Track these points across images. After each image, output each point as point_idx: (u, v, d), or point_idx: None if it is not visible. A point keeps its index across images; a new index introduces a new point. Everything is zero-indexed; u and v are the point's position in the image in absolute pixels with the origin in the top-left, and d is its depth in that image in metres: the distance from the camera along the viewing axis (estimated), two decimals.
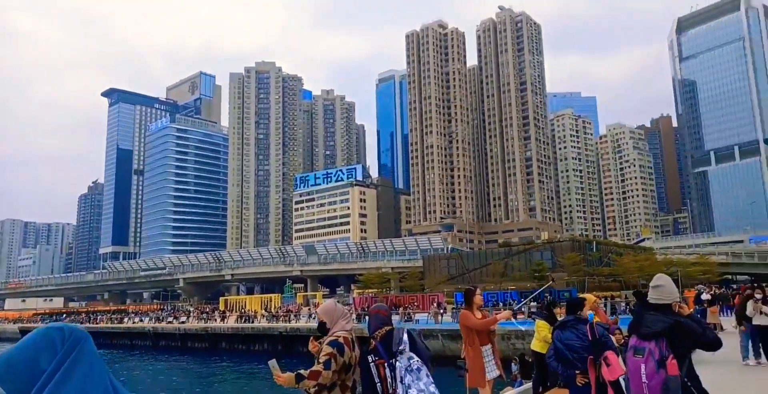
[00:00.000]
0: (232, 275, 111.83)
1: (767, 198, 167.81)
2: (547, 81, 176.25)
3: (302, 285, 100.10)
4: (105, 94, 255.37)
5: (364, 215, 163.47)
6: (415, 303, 44.34)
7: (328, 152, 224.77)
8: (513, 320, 31.51)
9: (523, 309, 36.76)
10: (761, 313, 10.68)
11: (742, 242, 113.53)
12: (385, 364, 3.78)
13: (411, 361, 3.77)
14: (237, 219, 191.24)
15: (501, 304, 39.76)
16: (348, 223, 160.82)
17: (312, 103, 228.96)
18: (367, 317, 40.96)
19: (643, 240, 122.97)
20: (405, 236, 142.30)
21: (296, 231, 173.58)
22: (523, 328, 17.37)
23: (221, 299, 76.79)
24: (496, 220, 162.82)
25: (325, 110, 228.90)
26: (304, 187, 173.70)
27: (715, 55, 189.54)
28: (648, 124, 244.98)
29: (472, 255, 75.06)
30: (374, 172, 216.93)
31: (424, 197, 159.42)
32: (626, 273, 56.39)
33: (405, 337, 3.89)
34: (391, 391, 3.71)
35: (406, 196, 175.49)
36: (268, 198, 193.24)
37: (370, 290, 67.64)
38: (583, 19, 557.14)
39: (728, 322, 15.81)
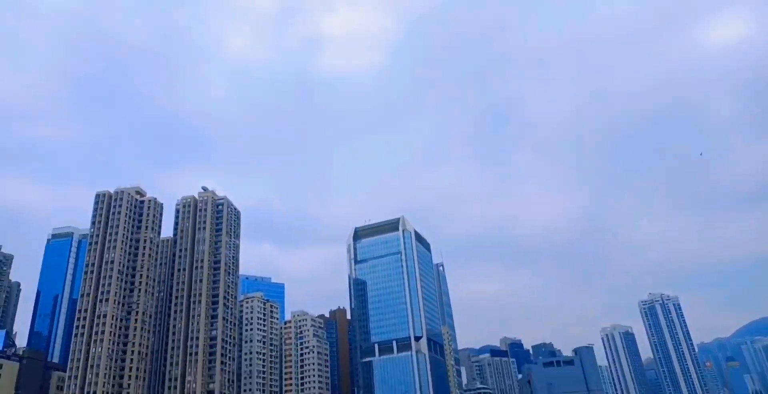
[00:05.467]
0: None
1: (415, 387, 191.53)
2: (240, 264, 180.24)
3: None
4: None
5: None
6: None
7: None
8: None
9: None
10: None
11: None
12: None
13: None
14: None
15: None
16: None
17: None
18: None
19: None
20: None
21: None
22: None
23: None
24: None
25: None
26: None
27: (381, 262, 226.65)
28: (327, 314, 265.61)
29: None
30: (23, 341, 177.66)
31: (84, 374, 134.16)
32: None
33: None
34: None
35: (62, 372, 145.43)
36: None
37: None
38: (280, 215, 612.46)
39: None
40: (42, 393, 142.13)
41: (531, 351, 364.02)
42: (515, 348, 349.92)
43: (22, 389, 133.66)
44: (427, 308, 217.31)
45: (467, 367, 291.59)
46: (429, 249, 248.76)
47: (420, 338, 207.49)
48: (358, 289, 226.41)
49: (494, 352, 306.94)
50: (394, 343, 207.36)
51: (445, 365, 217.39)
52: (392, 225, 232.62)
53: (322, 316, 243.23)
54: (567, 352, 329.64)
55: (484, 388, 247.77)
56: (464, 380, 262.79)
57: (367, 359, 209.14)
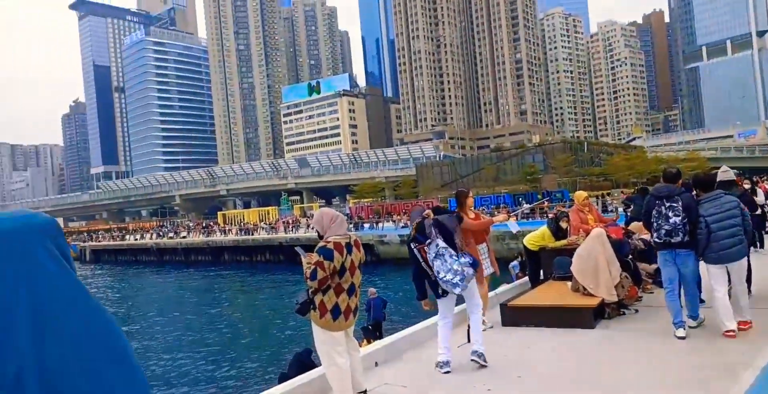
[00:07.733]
0: (227, 190, 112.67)
1: (758, 92, 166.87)
2: None
3: (298, 197, 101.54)
4: (72, 6, 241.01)
5: (355, 126, 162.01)
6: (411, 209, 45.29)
7: (312, 62, 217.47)
8: (507, 222, 32.69)
9: (518, 214, 37.91)
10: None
11: (731, 136, 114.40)
12: (424, 248, 4.48)
13: (437, 248, 4.42)
14: (226, 134, 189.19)
15: (496, 207, 40.79)
16: (339, 134, 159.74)
17: (292, 10, 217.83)
18: (364, 225, 42.79)
19: (634, 139, 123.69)
20: (397, 145, 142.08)
21: (287, 144, 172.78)
22: (514, 230, 17.60)
23: (219, 213, 78.00)
24: (487, 125, 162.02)
25: (306, 17, 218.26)
26: (291, 98, 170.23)
27: None
28: (640, 21, 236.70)
29: (465, 161, 75.45)
30: (362, 81, 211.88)
31: (414, 104, 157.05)
32: (617, 172, 57.31)
33: (433, 228, 4.53)
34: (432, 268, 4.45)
35: (396, 104, 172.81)
36: (256, 112, 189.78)
37: (366, 200, 68.57)
38: None
39: None
40: (385, 122, 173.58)
41: None
42: None
43: (370, 120, 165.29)
44: None
45: None
46: None
47: (764, 33, 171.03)
48: None
49: None
50: (728, 42, 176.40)
51: None
52: None
53: (633, 23, 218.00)
54: None
55: None
56: None
57: (692, 65, 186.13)
